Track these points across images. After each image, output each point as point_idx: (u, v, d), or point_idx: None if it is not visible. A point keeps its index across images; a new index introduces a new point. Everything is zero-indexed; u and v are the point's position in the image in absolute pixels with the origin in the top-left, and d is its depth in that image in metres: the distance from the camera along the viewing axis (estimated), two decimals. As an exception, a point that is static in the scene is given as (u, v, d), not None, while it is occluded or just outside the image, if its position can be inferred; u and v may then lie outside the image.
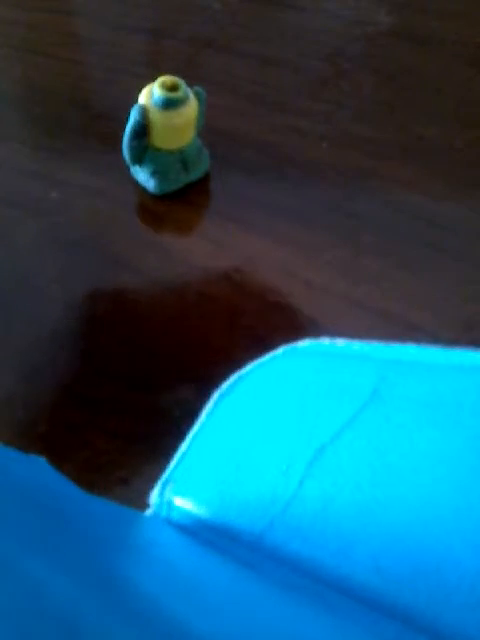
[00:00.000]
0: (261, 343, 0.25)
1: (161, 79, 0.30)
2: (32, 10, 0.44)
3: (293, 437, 0.18)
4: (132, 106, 0.30)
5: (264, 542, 0.17)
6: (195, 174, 0.33)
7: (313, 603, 0.15)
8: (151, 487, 0.20)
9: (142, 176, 0.32)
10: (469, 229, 0.31)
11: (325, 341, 0.20)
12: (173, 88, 0.30)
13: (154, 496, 0.20)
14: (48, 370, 0.27)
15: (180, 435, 0.21)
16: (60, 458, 0.17)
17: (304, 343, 0.20)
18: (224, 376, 0.21)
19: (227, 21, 0.43)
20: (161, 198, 0.32)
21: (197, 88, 0.31)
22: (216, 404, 0.21)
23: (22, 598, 0.10)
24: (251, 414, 0.20)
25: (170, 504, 0.19)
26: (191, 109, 0.30)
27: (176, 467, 0.20)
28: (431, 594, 0.15)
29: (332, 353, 0.20)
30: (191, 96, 0.30)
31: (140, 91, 0.30)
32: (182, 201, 0.33)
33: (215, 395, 0.21)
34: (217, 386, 0.21)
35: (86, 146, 0.35)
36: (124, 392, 0.26)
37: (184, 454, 0.20)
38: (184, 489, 0.19)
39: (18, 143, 0.35)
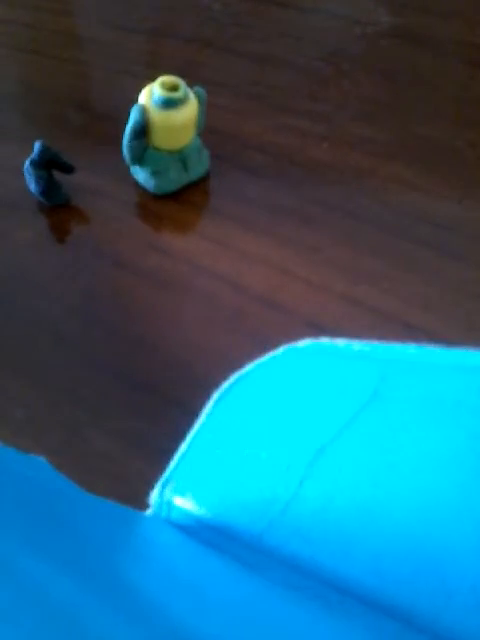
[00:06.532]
0: (261, 343, 0.25)
1: (161, 79, 0.30)
2: (32, 10, 0.44)
3: (293, 437, 0.18)
4: (132, 106, 0.30)
5: (264, 542, 0.17)
6: (195, 174, 0.33)
7: (313, 603, 0.15)
8: (151, 487, 0.20)
9: (142, 176, 0.32)
10: (469, 229, 0.31)
11: (325, 341, 0.20)
12: (173, 88, 0.30)
13: (154, 496, 0.20)
14: (48, 370, 0.27)
15: (180, 435, 0.21)
16: (60, 458, 0.17)
17: (304, 343, 0.20)
18: (224, 376, 0.21)
19: (227, 21, 0.43)
20: (161, 198, 0.32)
21: (197, 88, 0.31)
22: (216, 404, 0.21)
23: (23, 598, 0.10)
24: (251, 414, 0.20)
25: (170, 504, 0.19)
26: (191, 109, 0.30)
27: (176, 467, 0.20)
28: (431, 594, 0.15)
29: (332, 353, 0.19)
30: (191, 96, 0.30)
31: (140, 91, 0.30)
32: (182, 201, 0.33)
33: (215, 395, 0.21)
34: (217, 386, 0.21)
35: (86, 146, 0.35)
36: (124, 392, 0.26)
37: (184, 454, 0.20)
38: (184, 489, 0.19)
39: (18, 143, 0.35)
